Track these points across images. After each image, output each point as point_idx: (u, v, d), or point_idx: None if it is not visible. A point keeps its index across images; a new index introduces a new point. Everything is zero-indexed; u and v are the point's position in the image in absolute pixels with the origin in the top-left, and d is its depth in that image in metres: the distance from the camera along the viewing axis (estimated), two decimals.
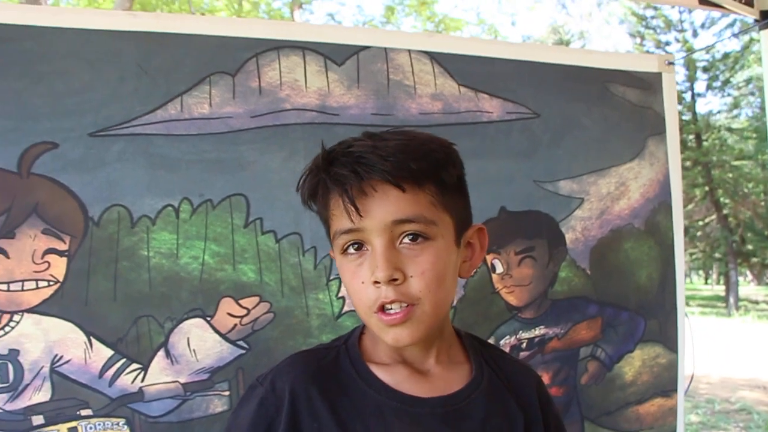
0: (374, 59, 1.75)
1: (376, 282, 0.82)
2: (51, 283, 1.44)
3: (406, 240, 0.83)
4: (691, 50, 15.89)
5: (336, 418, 0.84)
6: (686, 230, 2.20)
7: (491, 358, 0.99)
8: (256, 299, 1.59)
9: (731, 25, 16.64)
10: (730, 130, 18.93)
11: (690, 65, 17.94)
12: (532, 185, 1.91)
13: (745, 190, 19.26)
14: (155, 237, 1.52)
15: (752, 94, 18.36)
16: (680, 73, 17.98)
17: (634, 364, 2.06)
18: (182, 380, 1.53)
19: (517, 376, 0.99)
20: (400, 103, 1.76)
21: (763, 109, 18.32)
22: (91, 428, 1.45)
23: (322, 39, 1.70)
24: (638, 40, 19.92)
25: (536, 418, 0.96)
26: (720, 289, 27.47)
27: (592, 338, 1.99)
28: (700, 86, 19.26)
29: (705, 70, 18.62)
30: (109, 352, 1.47)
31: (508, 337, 1.87)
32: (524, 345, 1.88)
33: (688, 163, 17.84)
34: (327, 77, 1.69)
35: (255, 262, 1.59)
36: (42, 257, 1.43)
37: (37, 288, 1.43)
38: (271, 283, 1.61)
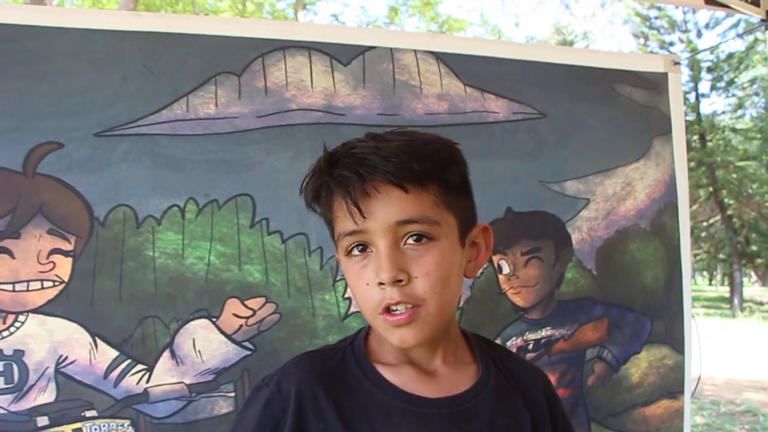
0: (380, 59, 1.75)
1: (380, 283, 0.81)
2: (56, 283, 1.44)
3: (410, 241, 0.82)
4: (695, 51, 15.87)
5: (342, 419, 0.84)
6: (690, 231, 2.18)
7: (498, 358, 0.99)
8: (262, 300, 1.59)
9: (735, 25, 16.61)
10: (734, 130, 18.89)
11: (694, 66, 17.89)
12: (538, 186, 1.91)
13: (750, 191, 19.21)
14: (161, 237, 1.52)
15: (757, 94, 18.33)
16: (684, 73, 17.77)
17: (641, 366, 2.05)
18: (187, 381, 1.52)
19: (524, 377, 0.99)
20: (406, 104, 1.76)
21: (767, 109, 18.29)
22: (95, 429, 1.45)
23: (327, 39, 1.70)
24: (642, 40, 19.89)
25: (543, 418, 0.95)
26: (724, 290, 27.44)
27: (598, 339, 1.98)
28: (704, 87, 19.28)
29: (709, 70, 18.59)
30: (114, 353, 1.47)
31: (514, 338, 1.86)
32: (531, 346, 1.88)
33: (692, 164, 17.79)
34: (333, 77, 1.69)
35: (261, 263, 1.59)
36: (47, 257, 1.43)
37: (42, 288, 1.43)
38: (277, 283, 1.60)
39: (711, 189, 19.02)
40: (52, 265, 1.43)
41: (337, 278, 1.65)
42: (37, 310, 1.42)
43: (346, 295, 1.66)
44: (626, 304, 2.03)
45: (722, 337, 10.73)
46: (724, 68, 18.25)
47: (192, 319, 1.53)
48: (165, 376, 1.51)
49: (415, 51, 1.79)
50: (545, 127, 1.92)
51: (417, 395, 0.87)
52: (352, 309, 1.66)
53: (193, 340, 1.53)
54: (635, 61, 2.11)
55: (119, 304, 1.48)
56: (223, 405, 1.55)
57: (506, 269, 1.85)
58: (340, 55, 1.71)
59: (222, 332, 1.55)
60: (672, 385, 2.10)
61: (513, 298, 1.86)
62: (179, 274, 1.53)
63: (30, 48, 1.45)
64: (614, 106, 2.03)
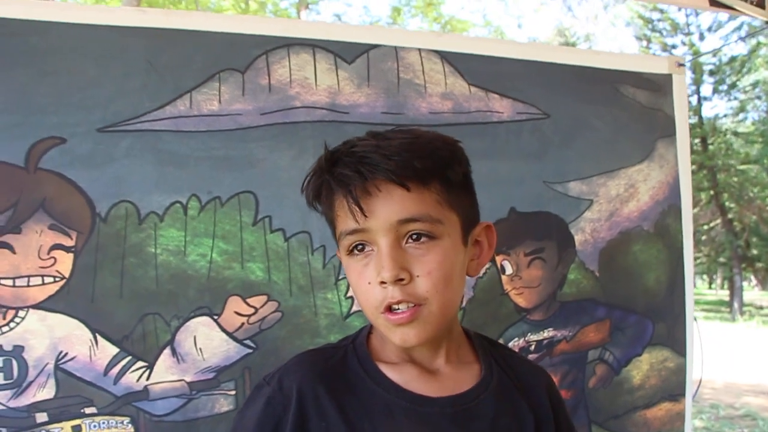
0: (384, 58, 1.74)
1: (382, 282, 0.81)
2: (57, 279, 1.43)
3: (412, 239, 0.82)
4: (697, 53, 15.87)
5: (344, 417, 0.84)
6: None
7: (501, 357, 0.99)
8: (263, 298, 1.58)
9: (738, 28, 16.62)
10: (736, 134, 18.90)
11: (696, 68, 17.90)
12: (541, 186, 1.90)
13: (751, 195, 19.21)
14: (163, 234, 1.51)
15: (759, 98, 18.34)
16: (686, 76, 17.93)
17: (642, 368, 2.04)
18: (188, 379, 1.52)
19: (527, 376, 0.99)
20: (411, 102, 1.75)
21: None
22: (95, 426, 1.44)
23: (331, 37, 1.69)
24: (644, 42, 19.89)
25: (547, 418, 0.95)
26: (724, 294, 27.42)
27: (600, 341, 1.98)
28: (706, 90, 19.25)
29: (711, 73, 18.59)
30: (115, 350, 1.47)
31: (516, 339, 1.85)
32: (533, 347, 1.87)
33: (693, 167, 17.79)
34: (337, 75, 1.68)
35: (263, 261, 1.58)
36: (48, 253, 1.42)
37: (43, 284, 1.42)
38: (280, 282, 1.60)
39: (712, 192, 19.02)
40: (53, 260, 1.43)
41: (340, 277, 1.65)
42: (37, 306, 1.41)
43: (349, 294, 1.65)
44: (628, 306, 2.03)
45: (722, 341, 10.72)
46: (726, 71, 18.26)
47: (193, 317, 1.53)
48: (165, 374, 1.50)
49: (419, 50, 1.78)
50: (549, 128, 1.92)
51: (419, 394, 0.87)
52: (354, 308, 1.66)
53: (194, 337, 1.52)
54: (639, 63, 2.10)
55: (120, 300, 1.47)
56: (223, 403, 1.54)
57: (509, 270, 1.85)
58: (344, 53, 1.70)
59: (223, 330, 1.55)
60: (673, 387, 2.09)
61: (515, 299, 1.85)
62: (181, 271, 1.52)
63: (33, 43, 1.44)
64: (618, 108, 2.03)
